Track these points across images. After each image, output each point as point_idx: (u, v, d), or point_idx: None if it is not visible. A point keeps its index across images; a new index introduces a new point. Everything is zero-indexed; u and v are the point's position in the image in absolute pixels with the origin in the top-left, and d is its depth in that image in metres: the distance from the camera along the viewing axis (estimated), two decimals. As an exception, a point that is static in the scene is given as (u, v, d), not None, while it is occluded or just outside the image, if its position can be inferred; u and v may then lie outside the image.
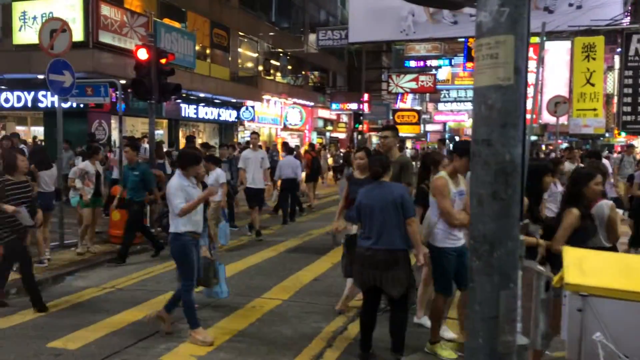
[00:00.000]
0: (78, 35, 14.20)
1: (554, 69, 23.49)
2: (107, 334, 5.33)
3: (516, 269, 1.89)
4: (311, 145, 23.22)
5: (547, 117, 20.40)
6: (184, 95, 18.82)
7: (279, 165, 12.86)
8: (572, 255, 3.63)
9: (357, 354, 4.74)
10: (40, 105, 16.97)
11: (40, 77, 14.71)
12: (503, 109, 1.84)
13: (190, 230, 5.14)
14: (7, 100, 17.37)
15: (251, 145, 11.14)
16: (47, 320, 5.75)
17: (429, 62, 30.77)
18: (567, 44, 21.90)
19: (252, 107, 25.39)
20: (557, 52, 23.42)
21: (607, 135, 38.99)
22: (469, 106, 41.59)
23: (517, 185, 1.86)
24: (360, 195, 4.75)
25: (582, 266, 3.24)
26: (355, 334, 5.37)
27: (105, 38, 15.84)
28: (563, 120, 19.61)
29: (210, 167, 9.49)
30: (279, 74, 29.96)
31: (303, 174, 14.75)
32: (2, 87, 17.30)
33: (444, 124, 47.42)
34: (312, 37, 30.42)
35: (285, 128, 30.25)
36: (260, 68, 27.99)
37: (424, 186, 5.49)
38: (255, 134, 11.45)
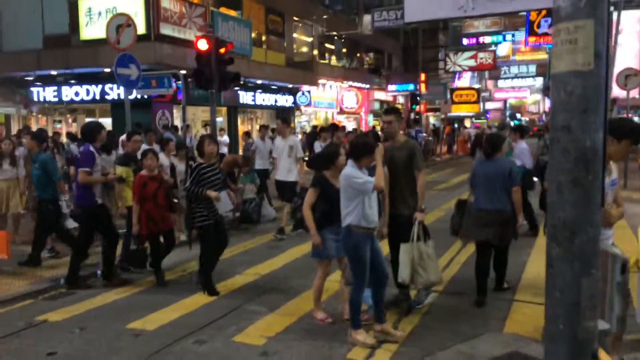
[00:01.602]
0: (141, 28, 14.62)
1: (622, 40, 22.23)
2: (182, 316, 5.59)
3: (597, 256, 1.86)
4: (339, 127, 22.99)
5: (616, 91, 19.38)
6: (241, 82, 19.15)
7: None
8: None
9: (474, 300, 5.73)
10: (107, 97, 17.74)
11: (107, 70, 15.37)
12: (583, 94, 1.80)
13: (363, 226, 4.70)
14: (77, 93, 18.27)
15: (277, 133, 10.25)
16: (126, 303, 6.09)
17: (481, 39, 29.79)
18: (636, 13, 20.67)
19: (308, 91, 25.52)
20: (626, 22, 22.13)
21: (682, 107, 36.66)
22: (530, 82, 40.14)
23: (598, 172, 1.82)
24: (475, 168, 6.04)
25: (659, 248, 3.14)
26: (418, 319, 5.39)
27: (166, 30, 16.32)
28: (634, 93, 18.60)
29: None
30: (334, 57, 29.89)
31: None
32: (72, 81, 18.18)
33: (505, 101, 46.08)
34: (366, 18, 30.06)
35: (341, 111, 30.24)
36: (315, 52, 28.01)
37: None
38: (279, 120, 10.10)
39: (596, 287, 1.87)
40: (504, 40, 30.78)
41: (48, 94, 18.68)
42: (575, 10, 1.76)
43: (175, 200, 6.93)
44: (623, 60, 20.72)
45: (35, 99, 18.78)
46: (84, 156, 6.54)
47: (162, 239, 6.82)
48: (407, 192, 5.47)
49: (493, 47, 31.26)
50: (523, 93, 44.77)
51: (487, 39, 29.70)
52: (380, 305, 4.96)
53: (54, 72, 17.95)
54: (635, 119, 38.20)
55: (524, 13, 23.17)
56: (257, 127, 24.83)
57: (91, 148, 6.55)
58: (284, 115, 14.49)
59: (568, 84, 1.82)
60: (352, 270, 4.83)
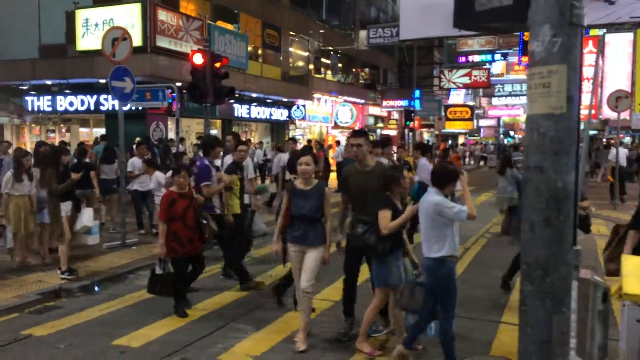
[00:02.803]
0: (137, 40, 14.70)
1: (615, 62, 22.52)
2: (168, 333, 5.57)
3: (569, 294, 1.90)
4: (318, 143, 23.03)
5: (607, 112, 19.60)
6: (237, 95, 19.22)
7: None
8: (631, 265, 3.53)
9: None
10: (102, 108, 17.74)
11: (102, 81, 15.41)
12: (556, 137, 1.85)
13: (455, 255, 4.50)
14: (71, 103, 18.27)
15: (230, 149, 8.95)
16: (112, 318, 6.06)
17: (471, 58, 30.12)
18: (629, 35, 20.96)
19: (303, 105, 25.64)
20: (619, 45, 22.44)
21: (674, 129, 37.06)
22: (524, 100, 40.46)
23: (570, 212, 1.86)
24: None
25: (642, 276, 3.17)
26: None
27: (162, 42, 16.39)
28: (625, 115, 18.81)
29: (150, 171, 9.95)
30: (329, 72, 30.06)
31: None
32: (67, 91, 18.19)
33: (498, 119, 46.37)
34: (362, 33, 30.36)
35: (335, 126, 30.37)
36: (311, 66, 28.17)
37: None
38: (230, 135, 9.17)
39: (568, 325, 1.89)
40: (493, 59, 31.10)
41: (42, 103, 18.68)
42: (548, 55, 1.82)
43: (204, 221, 6.42)
44: (615, 82, 20.98)
45: (30, 108, 18.77)
46: (202, 171, 7.10)
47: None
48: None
49: (487, 65, 31.55)
50: (516, 111, 45.11)
51: (476, 58, 30.05)
52: (416, 335, 4.74)
53: (48, 82, 17.97)
54: (627, 139, 38.52)
55: (518, 33, 23.45)
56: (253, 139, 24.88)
57: (206, 162, 7.22)
58: (234, 131, 14.44)
59: (541, 126, 1.87)
60: (445, 302, 4.48)
